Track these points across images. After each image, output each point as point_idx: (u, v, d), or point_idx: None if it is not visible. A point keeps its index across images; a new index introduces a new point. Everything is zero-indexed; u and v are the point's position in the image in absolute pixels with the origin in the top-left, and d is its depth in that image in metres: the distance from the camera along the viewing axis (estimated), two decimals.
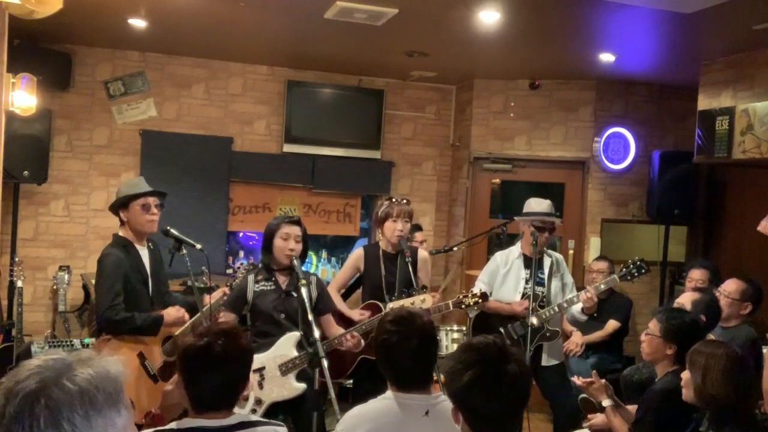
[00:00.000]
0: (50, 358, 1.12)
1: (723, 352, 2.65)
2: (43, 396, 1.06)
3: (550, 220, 4.40)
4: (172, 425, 2.14)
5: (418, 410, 2.26)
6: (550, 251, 4.55)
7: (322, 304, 3.81)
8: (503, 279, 4.46)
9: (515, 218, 4.63)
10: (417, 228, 5.91)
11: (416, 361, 2.30)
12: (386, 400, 2.31)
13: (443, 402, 2.27)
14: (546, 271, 4.41)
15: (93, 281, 5.21)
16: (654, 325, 3.18)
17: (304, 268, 3.71)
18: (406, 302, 3.81)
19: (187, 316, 3.70)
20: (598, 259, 5.80)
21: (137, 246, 3.72)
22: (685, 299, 3.77)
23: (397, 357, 2.30)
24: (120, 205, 3.71)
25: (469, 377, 1.81)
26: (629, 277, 4.28)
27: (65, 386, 1.07)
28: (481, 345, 1.90)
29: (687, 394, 2.76)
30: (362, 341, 3.80)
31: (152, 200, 3.73)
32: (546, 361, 4.39)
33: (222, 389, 2.13)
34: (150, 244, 3.84)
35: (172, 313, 3.67)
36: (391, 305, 3.86)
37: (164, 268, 3.91)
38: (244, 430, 2.14)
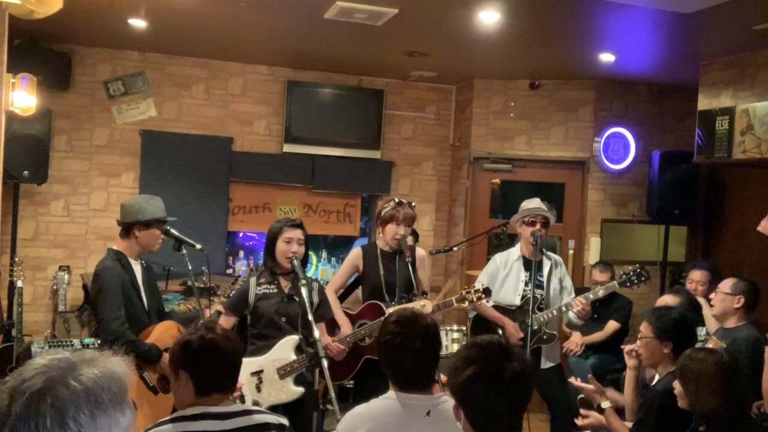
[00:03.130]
0: (55, 357, 1.12)
1: (712, 363, 2.64)
2: (50, 395, 1.06)
3: (540, 213, 4.40)
4: (176, 414, 2.24)
5: (420, 410, 2.26)
6: (549, 253, 4.55)
7: (321, 312, 3.79)
8: (503, 281, 4.47)
9: (510, 222, 4.64)
10: (413, 234, 5.90)
11: (419, 361, 2.30)
12: (388, 400, 2.31)
13: (445, 402, 2.27)
14: (545, 273, 4.42)
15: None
16: (645, 328, 3.19)
17: (305, 272, 3.71)
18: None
19: None
20: (599, 267, 5.73)
21: (131, 260, 3.72)
22: (666, 302, 3.78)
23: (400, 357, 2.30)
24: (144, 224, 3.68)
25: (470, 373, 1.81)
26: (628, 284, 4.28)
27: (71, 385, 1.07)
28: (484, 343, 1.91)
29: (682, 403, 2.76)
30: (346, 350, 3.84)
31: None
32: (543, 363, 4.40)
33: (223, 372, 2.30)
34: (142, 261, 3.83)
35: (163, 330, 3.68)
36: (390, 310, 3.86)
37: (157, 286, 3.92)
38: (247, 416, 2.26)
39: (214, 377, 2.27)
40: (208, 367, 2.26)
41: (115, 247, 3.72)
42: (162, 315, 3.90)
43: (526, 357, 1.94)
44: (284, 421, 2.35)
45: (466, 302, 4.04)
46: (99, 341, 3.70)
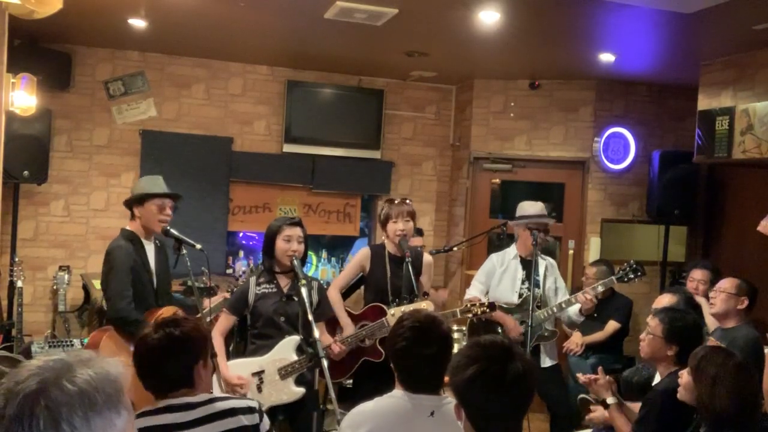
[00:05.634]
0: (50, 358, 1.12)
1: (731, 366, 2.62)
2: (43, 397, 1.06)
3: (544, 221, 4.44)
4: (141, 410, 2.22)
5: (424, 410, 2.26)
6: (543, 255, 4.58)
7: (320, 311, 3.79)
8: (500, 279, 4.50)
9: (510, 223, 4.67)
10: (418, 232, 5.91)
11: (432, 367, 2.30)
12: (393, 399, 2.31)
13: (450, 404, 2.26)
14: (541, 272, 4.45)
15: (94, 281, 5.24)
16: (656, 325, 3.17)
17: (305, 271, 3.71)
18: (407, 309, 3.81)
19: None
20: (595, 263, 5.75)
21: (144, 241, 3.75)
22: (664, 301, 3.78)
23: (414, 363, 2.29)
24: (136, 201, 3.73)
25: (471, 372, 1.81)
26: (625, 279, 4.32)
27: (65, 387, 1.07)
28: (487, 342, 1.91)
29: (685, 396, 2.75)
30: (346, 351, 3.82)
31: (168, 202, 3.76)
32: (543, 361, 4.41)
33: (166, 374, 2.26)
34: (157, 241, 3.86)
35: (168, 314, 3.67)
36: (392, 311, 3.86)
37: (169, 267, 3.92)
38: (212, 404, 2.25)
39: (158, 380, 2.26)
40: (147, 372, 2.26)
41: (129, 228, 3.76)
42: (168, 300, 3.91)
43: (528, 358, 1.94)
44: (252, 403, 2.34)
45: (470, 315, 4.06)
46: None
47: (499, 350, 1.86)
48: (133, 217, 3.76)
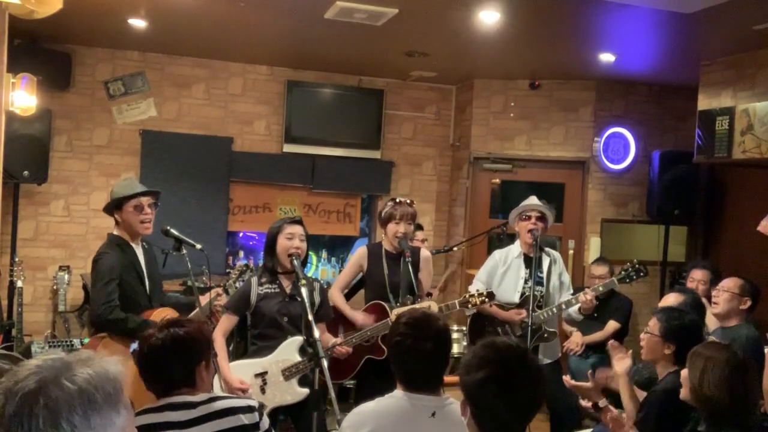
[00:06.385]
0: (49, 357, 1.12)
1: (724, 357, 2.62)
2: (43, 395, 1.06)
3: (535, 208, 4.41)
4: (149, 405, 2.26)
5: (425, 411, 2.26)
6: (548, 249, 4.55)
7: (322, 312, 3.80)
8: (502, 278, 4.47)
9: (508, 222, 4.66)
10: (418, 227, 5.92)
11: (430, 364, 2.30)
12: (394, 399, 2.31)
13: (451, 405, 2.27)
14: (545, 270, 4.42)
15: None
16: (653, 324, 3.18)
17: (306, 272, 3.71)
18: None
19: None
20: (597, 263, 5.76)
21: (132, 244, 3.72)
22: (670, 300, 3.77)
23: (411, 360, 2.29)
24: (114, 207, 3.71)
25: (482, 375, 1.80)
26: (627, 280, 4.30)
27: (65, 386, 1.07)
28: (503, 345, 1.89)
29: (684, 393, 2.75)
30: (349, 351, 3.82)
31: (145, 200, 3.70)
32: (541, 360, 4.39)
33: (168, 375, 2.29)
34: (144, 243, 3.82)
35: (161, 316, 3.66)
36: (396, 312, 3.86)
37: (158, 267, 3.91)
38: (212, 403, 2.27)
39: (160, 380, 2.29)
40: (150, 372, 2.29)
41: (116, 233, 3.74)
42: (161, 300, 3.90)
43: (541, 367, 1.92)
44: (252, 402, 2.37)
45: (469, 305, 4.05)
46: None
47: (513, 355, 1.85)
48: (117, 223, 3.73)
